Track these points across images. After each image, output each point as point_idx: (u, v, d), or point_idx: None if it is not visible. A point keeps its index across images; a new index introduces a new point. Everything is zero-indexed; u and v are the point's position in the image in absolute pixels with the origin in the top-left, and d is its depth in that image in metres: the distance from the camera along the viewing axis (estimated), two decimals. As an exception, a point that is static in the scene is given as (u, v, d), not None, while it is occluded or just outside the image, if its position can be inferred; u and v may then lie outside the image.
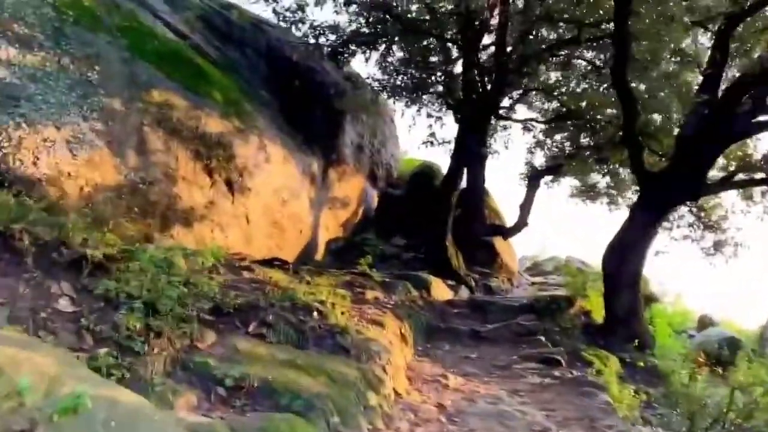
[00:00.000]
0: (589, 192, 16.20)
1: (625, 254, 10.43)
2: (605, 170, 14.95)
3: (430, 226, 13.20)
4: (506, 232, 15.50)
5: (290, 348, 4.38)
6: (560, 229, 44.21)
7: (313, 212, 11.00)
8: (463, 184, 15.67)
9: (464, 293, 12.05)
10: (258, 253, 9.16)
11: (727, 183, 10.23)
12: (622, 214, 15.59)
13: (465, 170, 13.97)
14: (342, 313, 6.42)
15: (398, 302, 8.96)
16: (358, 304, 7.67)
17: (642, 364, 9.71)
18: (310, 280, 8.10)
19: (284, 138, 9.92)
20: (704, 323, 14.87)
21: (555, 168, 14.96)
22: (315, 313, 5.02)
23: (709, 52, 12.16)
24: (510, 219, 16.81)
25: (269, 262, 7.90)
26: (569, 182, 16.31)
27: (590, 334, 10.43)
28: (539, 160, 15.72)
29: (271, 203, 9.35)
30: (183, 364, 3.68)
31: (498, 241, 14.92)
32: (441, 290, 11.03)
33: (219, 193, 8.14)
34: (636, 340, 10.25)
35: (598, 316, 11.40)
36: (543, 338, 8.98)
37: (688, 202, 11.44)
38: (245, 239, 8.88)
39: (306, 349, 4.51)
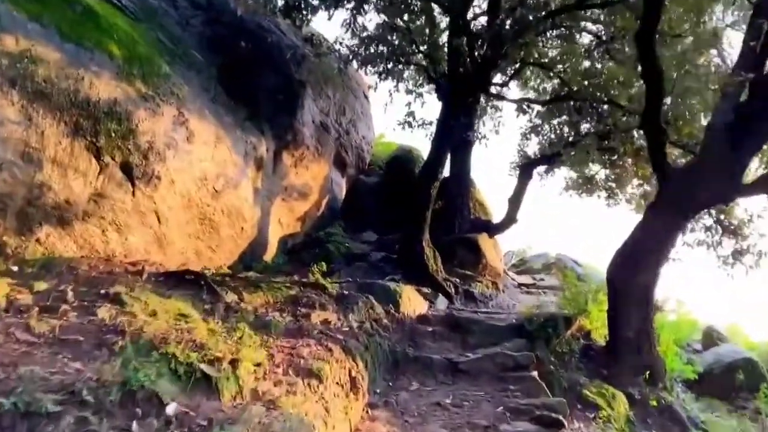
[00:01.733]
0: (585, 185, 14.11)
1: (638, 264, 8.42)
2: (608, 161, 12.90)
3: (407, 220, 11.12)
4: (493, 229, 13.45)
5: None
6: (548, 223, 41.80)
7: (260, 205, 8.84)
8: (447, 172, 13.61)
9: (442, 303, 10.00)
10: (179, 260, 7.04)
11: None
12: (621, 211, 13.73)
13: (448, 157, 11.88)
14: (258, 366, 4.34)
15: (355, 326, 6.89)
16: (294, 337, 5.58)
17: (655, 403, 7.79)
18: (232, 302, 5.98)
19: (219, 112, 7.73)
20: (710, 336, 12.95)
21: (551, 157, 12.89)
22: (172, 404, 2.88)
23: (728, 31, 10.19)
24: (497, 213, 14.82)
25: (178, 276, 5.76)
26: (563, 173, 14.27)
27: (591, 360, 8.47)
28: (533, 147, 13.66)
29: (197, 195, 7.18)
30: None
31: (482, 239, 12.87)
32: (414, 302, 8.97)
33: (112, 181, 5.94)
34: (646, 370, 8.34)
35: (599, 335, 9.44)
36: (535, 374, 6.99)
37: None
38: (157, 242, 6.72)
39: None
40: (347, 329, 6.54)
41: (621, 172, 13.41)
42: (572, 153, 11.46)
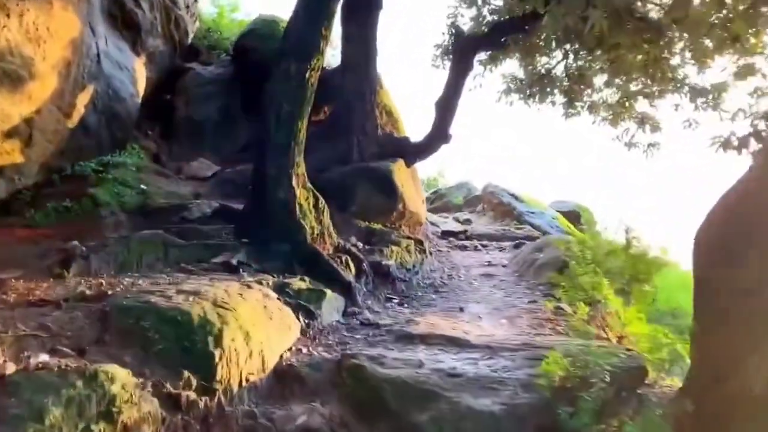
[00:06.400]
0: (538, 85, 8.90)
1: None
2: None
3: (263, 140, 5.51)
4: (413, 153, 8.12)
5: None
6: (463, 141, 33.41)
7: None
8: (333, 60, 8.04)
9: (331, 311, 4.65)
10: None
11: None
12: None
13: (334, 27, 6.28)
14: None
15: None
16: None
17: None
18: None
19: None
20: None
21: (506, 31, 7.56)
22: None
23: None
24: (412, 128, 9.45)
25: None
26: (504, 70, 8.96)
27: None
28: (473, 20, 8.20)
29: None
30: None
31: (398, 170, 7.56)
32: (258, 335, 3.52)
33: None
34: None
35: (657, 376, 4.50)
36: None
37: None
38: None
39: None
40: None
41: (586, 66, 8.29)
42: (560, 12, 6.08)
